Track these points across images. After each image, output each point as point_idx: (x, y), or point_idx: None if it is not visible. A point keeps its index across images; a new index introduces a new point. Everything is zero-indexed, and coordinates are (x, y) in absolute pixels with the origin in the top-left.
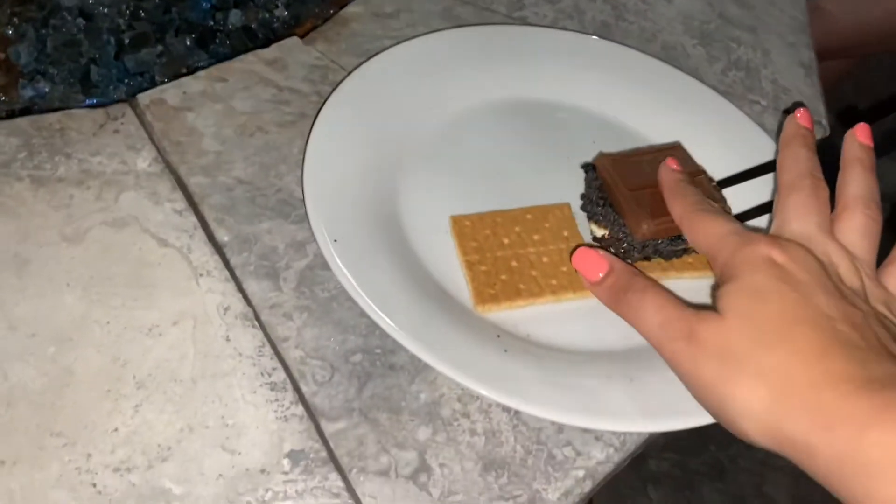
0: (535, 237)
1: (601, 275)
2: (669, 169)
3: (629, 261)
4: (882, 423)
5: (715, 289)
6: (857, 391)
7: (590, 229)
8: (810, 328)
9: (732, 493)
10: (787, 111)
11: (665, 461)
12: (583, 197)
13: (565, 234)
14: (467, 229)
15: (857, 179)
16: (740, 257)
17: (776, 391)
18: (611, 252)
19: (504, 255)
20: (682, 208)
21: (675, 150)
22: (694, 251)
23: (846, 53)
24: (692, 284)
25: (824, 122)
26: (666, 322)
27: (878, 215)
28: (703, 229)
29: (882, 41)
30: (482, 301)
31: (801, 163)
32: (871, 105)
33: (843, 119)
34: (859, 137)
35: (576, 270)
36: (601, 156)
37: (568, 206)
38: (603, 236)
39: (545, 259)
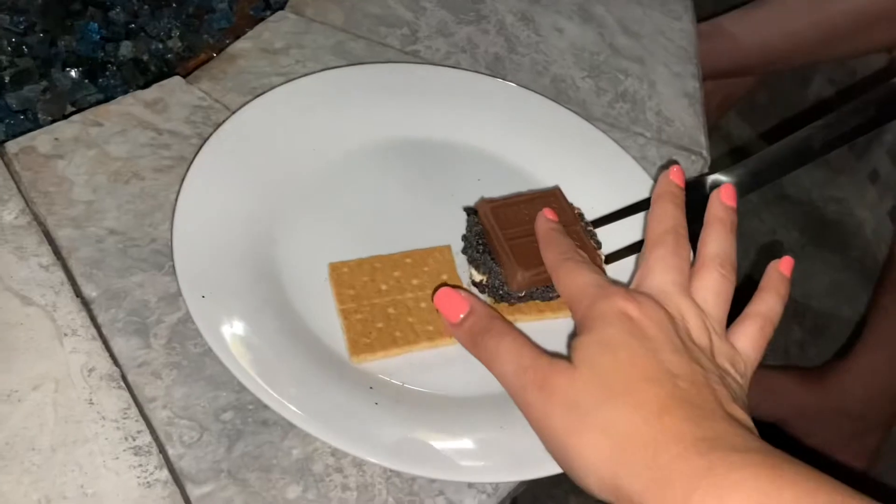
0: (414, 282)
1: (461, 315)
2: (544, 219)
3: (507, 303)
4: (707, 485)
5: (572, 338)
6: (688, 451)
7: (469, 273)
8: (653, 384)
9: None
10: (664, 166)
11: None
12: (464, 239)
13: (444, 277)
14: (345, 276)
15: (717, 239)
16: (597, 310)
17: (616, 447)
18: (487, 297)
19: (381, 302)
20: (553, 258)
21: (553, 195)
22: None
23: (750, 71)
24: (568, 323)
25: (705, 153)
26: (520, 369)
27: (732, 275)
28: (567, 279)
29: (783, 60)
30: (357, 351)
31: (667, 220)
32: (787, 118)
33: (758, 131)
34: (723, 199)
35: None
36: (482, 202)
37: (448, 248)
38: (481, 281)
39: (423, 304)
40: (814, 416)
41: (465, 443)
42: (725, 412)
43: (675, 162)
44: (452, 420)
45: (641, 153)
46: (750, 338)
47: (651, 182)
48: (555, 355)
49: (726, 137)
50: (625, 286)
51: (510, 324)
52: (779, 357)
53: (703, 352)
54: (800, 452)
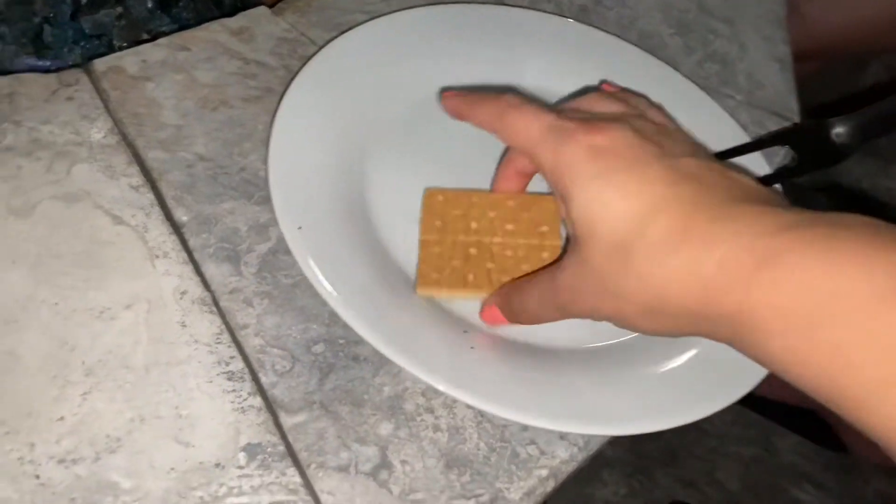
0: (509, 227)
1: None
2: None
3: None
4: (765, 279)
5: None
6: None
7: None
8: (667, 203)
9: (685, 478)
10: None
11: (619, 446)
12: None
13: (543, 229)
14: (438, 205)
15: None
16: (565, 158)
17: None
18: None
19: (466, 240)
20: (488, 109)
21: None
22: None
23: (821, 56)
24: None
25: (797, 119)
26: (547, 300)
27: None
28: (515, 128)
29: (853, 45)
30: (423, 283)
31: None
32: (838, 99)
33: (812, 115)
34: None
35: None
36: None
37: (553, 200)
38: None
39: (508, 253)
40: None
41: (559, 393)
42: (740, 189)
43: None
44: (547, 370)
45: (732, 116)
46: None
47: (748, 139)
48: None
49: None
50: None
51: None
52: None
53: (673, 137)
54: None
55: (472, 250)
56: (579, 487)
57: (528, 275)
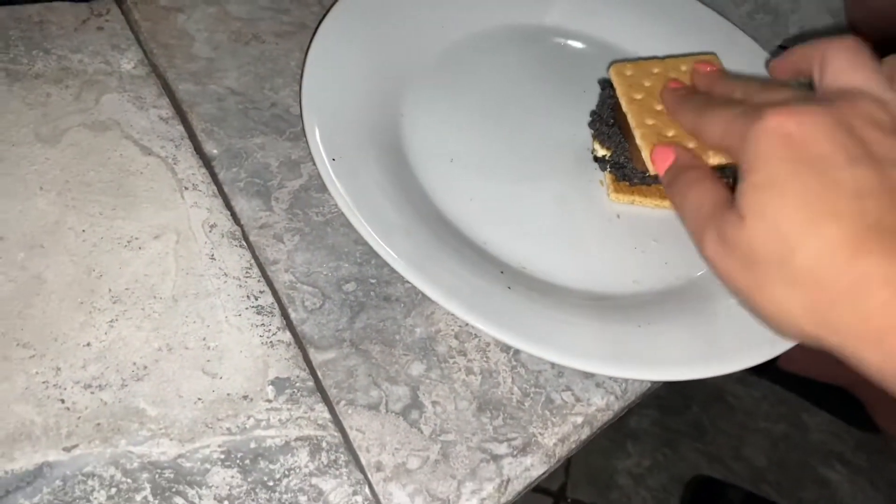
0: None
1: (667, 165)
2: (668, 90)
3: (629, 183)
4: None
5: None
6: None
7: (593, 147)
8: (836, 219)
9: (711, 453)
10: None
11: (646, 418)
12: (592, 114)
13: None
14: (631, 80)
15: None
16: (749, 145)
17: (810, 300)
18: (608, 175)
19: (664, 109)
20: (686, 115)
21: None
22: None
23: (874, 33)
24: None
25: None
26: (701, 219)
27: None
28: (710, 129)
29: None
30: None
31: None
32: None
33: None
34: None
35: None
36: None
37: (716, 56)
38: (604, 157)
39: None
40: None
41: (597, 336)
42: None
43: None
44: (585, 313)
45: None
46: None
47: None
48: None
49: None
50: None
51: (708, 172)
52: None
53: (892, 134)
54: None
55: (671, 132)
56: (603, 458)
57: (705, 170)
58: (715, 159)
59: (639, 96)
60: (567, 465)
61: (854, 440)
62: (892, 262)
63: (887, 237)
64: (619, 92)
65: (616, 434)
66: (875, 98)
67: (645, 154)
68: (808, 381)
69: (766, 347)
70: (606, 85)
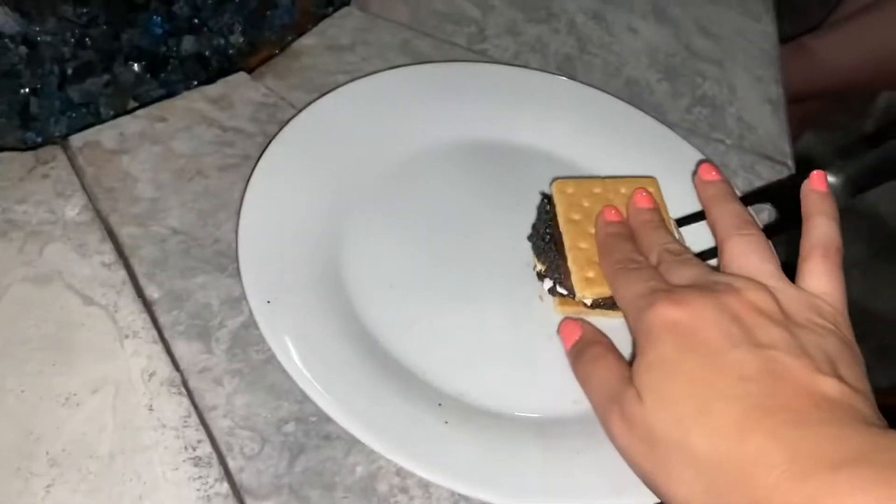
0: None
1: (573, 341)
2: (603, 223)
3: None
4: None
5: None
6: (784, 480)
7: (533, 262)
8: (724, 402)
9: None
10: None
11: None
12: (533, 227)
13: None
14: (572, 198)
15: (818, 227)
16: (644, 325)
17: (707, 482)
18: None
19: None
20: (608, 267)
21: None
22: None
23: (826, 95)
24: None
25: (790, 162)
26: (606, 398)
27: (837, 258)
28: (620, 291)
29: (869, 79)
30: (585, 286)
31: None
32: (836, 147)
33: (806, 164)
34: (815, 186)
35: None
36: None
37: (656, 181)
38: (541, 272)
39: None
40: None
41: (539, 468)
42: (815, 398)
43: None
44: (525, 443)
45: (722, 161)
46: (819, 273)
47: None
48: None
49: (806, 155)
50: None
51: (611, 348)
52: None
53: (774, 321)
54: None
55: None
56: None
57: (608, 347)
58: None
59: (576, 217)
60: None
61: None
62: (776, 443)
63: (769, 418)
64: (559, 211)
65: None
66: (763, 286)
67: (574, 278)
68: None
69: None
70: (547, 199)
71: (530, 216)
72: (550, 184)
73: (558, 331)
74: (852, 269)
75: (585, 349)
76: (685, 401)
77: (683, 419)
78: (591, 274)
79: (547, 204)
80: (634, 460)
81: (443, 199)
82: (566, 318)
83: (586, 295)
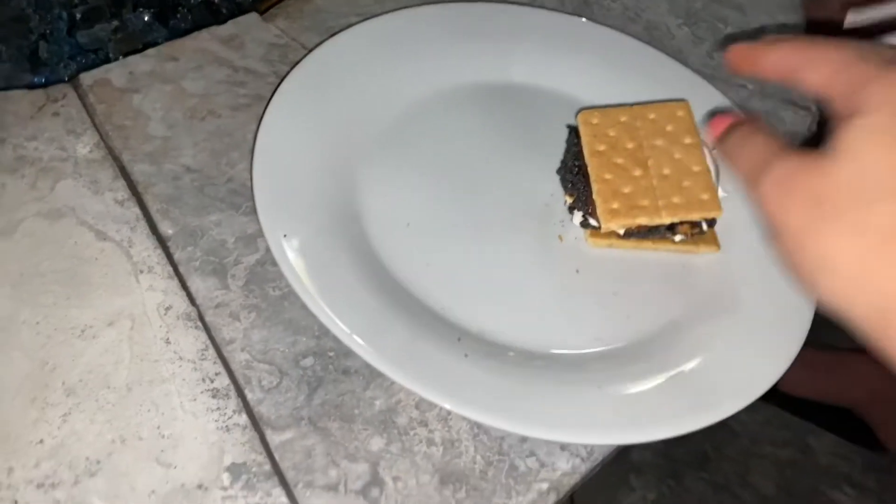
0: (658, 142)
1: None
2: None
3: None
4: None
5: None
6: None
7: (564, 198)
8: None
9: (716, 482)
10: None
11: (648, 451)
12: (562, 161)
13: (687, 140)
14: (597, 129)
15: None
16: (874, 87)
17: (874, 251)
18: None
19: (625, 163)
20: (785, 57)
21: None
22: (675, 235)
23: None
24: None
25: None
26: (760, 162)
27: None
28: (815, 68)
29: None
30: (611, 217)
31: None
32: None
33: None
34: None
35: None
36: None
37: (688, 104)
38: (571, 205)
39: (666, 171)
40: (891, 401)
41: (559, 401)
42: None
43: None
44: (546, 376)
45: (744, 106)
46: None
47: None
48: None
49: None
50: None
51: (762, 126)
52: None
53: None
54: (873, 441)
55: (637, 172)
56: (606, 493)
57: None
58: (668, 218)
59: (601, 147)
60: (571, 502)
61: (862, 461)
62: None
63: None
64: (584, 142)
65: (619, 468)
66: None
67: (599, 210)
68: (812, 403)
69: (729, 403)
70: (573, 132)
71: (549, 156)
72: (576, 115)
73: (707, 125)
74: None
75: (735, 129)
76: (888, 172)
77: (880, 186)
78: (615, 205)
79: (574, 137)
80: (781, 217)
81: (459, 138)
82: (716, 116)
83: (611, 226)
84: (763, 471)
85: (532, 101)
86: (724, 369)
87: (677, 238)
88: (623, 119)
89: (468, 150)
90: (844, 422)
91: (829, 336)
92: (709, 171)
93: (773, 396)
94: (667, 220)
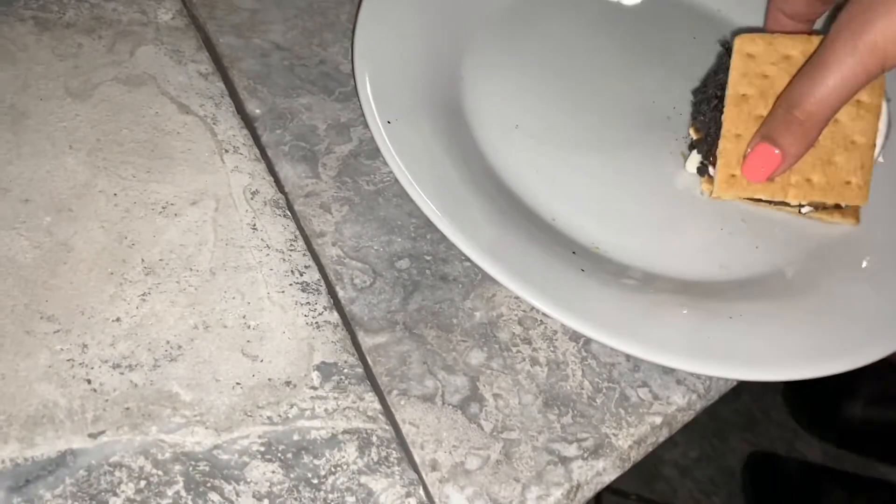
0: None
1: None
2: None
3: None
4: None
5: None
6: None
7: (689, 130)
8: None
9: (761, 445)
10: None
11: None
12: (703, 80)
13: (864, 98)
14: (753, 63)
15: None
16: None
17: None
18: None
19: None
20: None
21: None
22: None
23: None
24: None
25: None
26: None
27: None
28: None
29: None
30: (725, 188)
31: None
32: None
33: None
34: None
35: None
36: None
37: None
38: (694, 141)
39: (824, 141)
40: None
41: (681, 328)
42: None
43: None
44: (668, 301)
45: None
46: None
47: None
48: None
49: None
50: None
51: None
52: None
53: None
54: None
55: None
56: None
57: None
58: (794, 199)
59: (748, 91)
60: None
61: None
62: None
63: None
64: (731, 78)
65: None
66: None
67: (718, 174)
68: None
69: (867, 349)
70: (727, 51)
71: (671, 69)
72: (732, 35)
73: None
74: None
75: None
76: None
77: None
78: (737, 172)
79: (726, 59)
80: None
81: (576, 39)
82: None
83: (723, 196)
84: (812, 440)
85: (662, 7)
86: (856, 317)
87: (804, 210)
88: (793, 53)
89: (586, 54)
90: None
91: None
92: (873, 144)
93: None
94: (793, 202)
